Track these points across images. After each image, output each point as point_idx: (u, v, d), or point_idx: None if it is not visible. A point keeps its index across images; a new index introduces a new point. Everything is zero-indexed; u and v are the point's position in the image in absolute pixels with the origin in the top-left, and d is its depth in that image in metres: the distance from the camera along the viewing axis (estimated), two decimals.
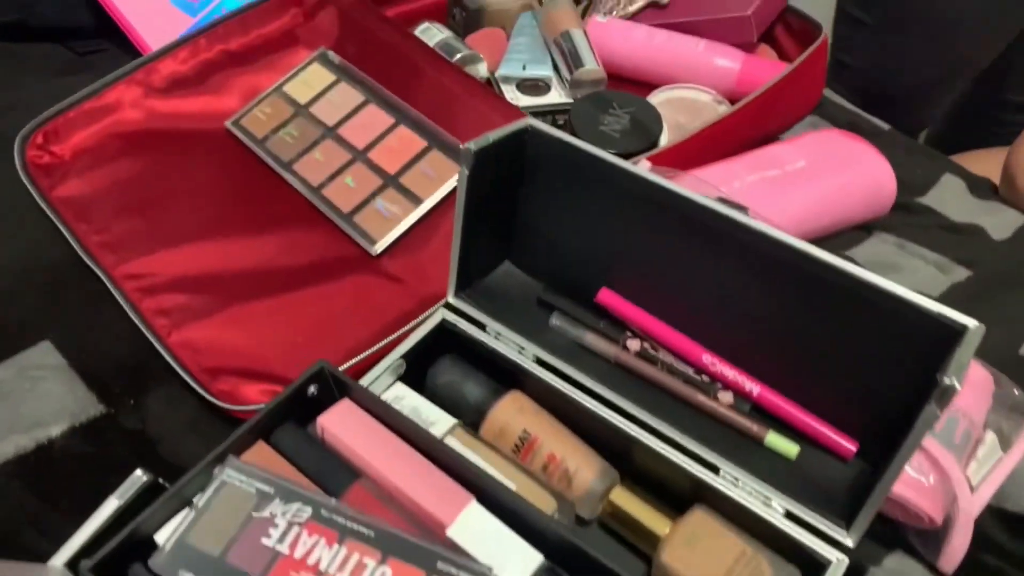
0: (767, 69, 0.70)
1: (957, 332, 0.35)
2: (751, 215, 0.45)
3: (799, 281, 0.39)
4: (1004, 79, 0.97)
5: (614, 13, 0.78)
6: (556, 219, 0.48)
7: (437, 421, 0.45)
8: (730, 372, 0.43)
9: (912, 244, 0.61)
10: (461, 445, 0.43)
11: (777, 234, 0.39)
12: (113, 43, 0.78)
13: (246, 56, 0.69)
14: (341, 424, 0.38)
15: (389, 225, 0.58)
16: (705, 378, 0.44)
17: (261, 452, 0.38)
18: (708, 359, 0.44)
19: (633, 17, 0.78)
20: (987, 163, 0.75)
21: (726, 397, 0.43)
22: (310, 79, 0.67)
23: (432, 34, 0.72)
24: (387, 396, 0.46)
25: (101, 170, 0.62)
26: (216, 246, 0.57)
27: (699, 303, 0.44)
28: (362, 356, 0.48)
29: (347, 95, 0.65)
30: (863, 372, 0.40)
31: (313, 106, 0.65)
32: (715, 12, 0.73)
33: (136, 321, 0.51)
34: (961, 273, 0.59)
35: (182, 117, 0.65)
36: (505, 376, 0.47)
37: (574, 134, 0.62)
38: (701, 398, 0.43)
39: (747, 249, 0.40)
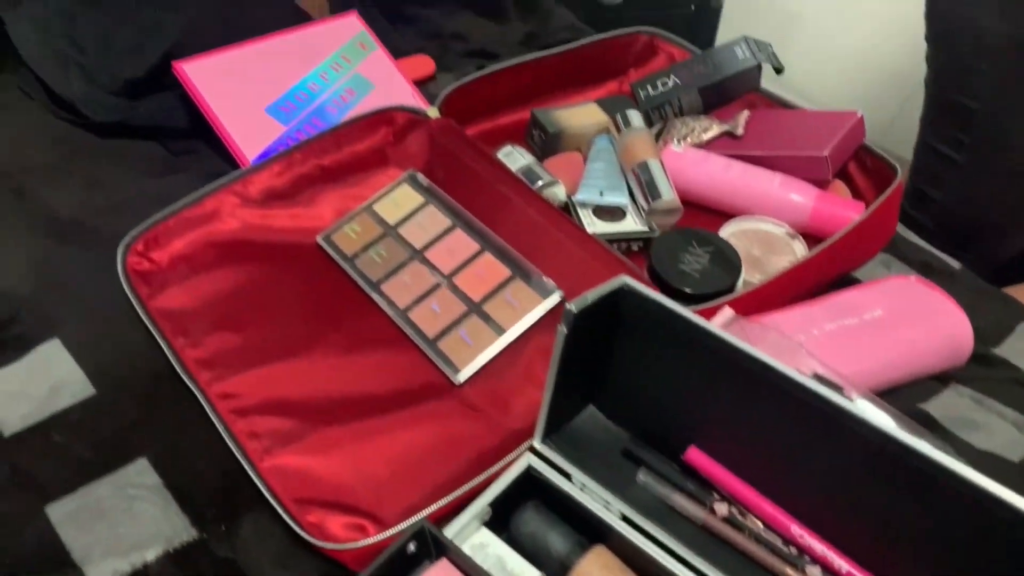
0: (841, 206, 0.72)
1: None
2: (845, 392, 0.46)
3: (896, 467, 0.39)
4: None
5: (688, 140, 0.80)
6: (645, 372, 0.49)
7: (522, 575, 0.45)
8: (819, 546, 0.44)
9: (989, 399, 0.61)
10: None
11: (875, 422, 0.39)
12: (206, 144, 0.82)
13: (338, 172, 0.72)
14: None
15: (472, 353, 0.59)
16: (793, 550, 0.45)
17: None
18: (797, 531, 0.44)
19: (707, 145, 0.80)
20: None
21: (814, 572, 0.44)
22: (399, 199, 0.69)
23: (515, 159, 0.74)
24: (472, 542, 0.47)
25: (196, 280, 0.64)
26: (305, 367, 0.59)
27: (789, 471, 0.45)
28: (448, 499, 0.49)
29: (435, 218, 0.68)
30: (957, 561, 0.40)
31: (402, 227, 0.67)
32: (791, 149, 0.74)
33: (229, 443, 0.53)
34: None
35: (275, 230, 0.68)
36: (590, 527, 0.48)
37: (653, 270, 0.64)
38: (789, 571, 0.44)
39: (843, 429, 0.41)
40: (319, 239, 0.68)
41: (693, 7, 1.50)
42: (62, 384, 0.58)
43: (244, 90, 0.80)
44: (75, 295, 0.65)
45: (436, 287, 0.64)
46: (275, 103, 0.81)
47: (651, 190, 0.72)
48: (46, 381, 0.58)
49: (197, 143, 0.82)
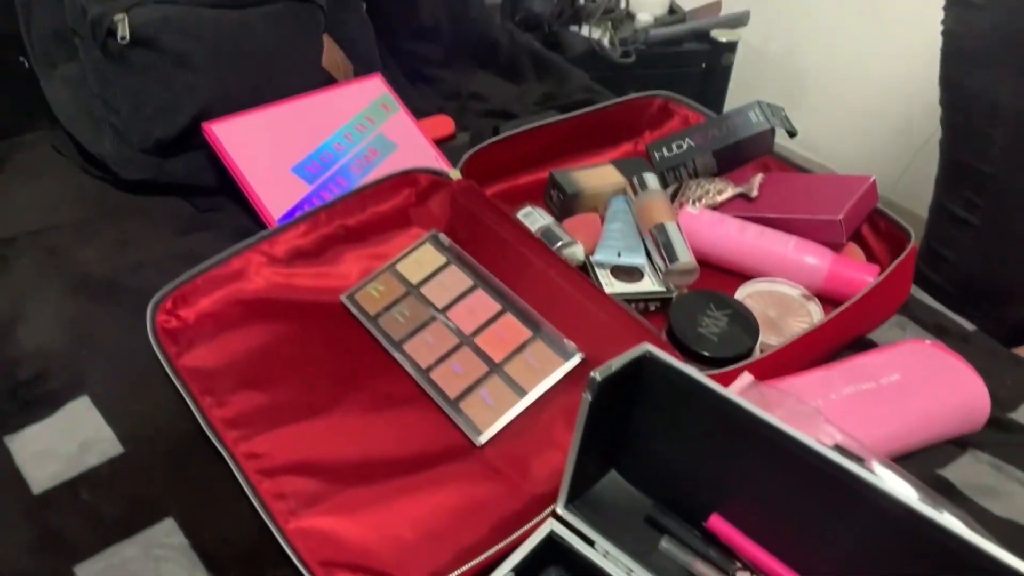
0: (855, 269, 0.73)
1: None
2: (866, 463, 0.47)
3: (919, 540, 0.40)
4: None
5: (703, 201, 0.82)
6: (667, 437, 0.50)
7: None
8: None
9: (1008, 466, 0.62)
10: None
11: (899, 496, 0.40)
12: (231, 201, 0.84)
13: (362, 232, 0.73)
14: None
15: (493, 415, 0.60)
16: None
17: None
18: None
19: (722, 206, 0.81)
20: None
21: None
22: (422, 259, 0.71)
23: (534, 219, 0.76)
24: None
25: (223, 338, 0.65)
26: (329, 427, 0.60)
27: (811, 540, 0.45)
28: (471, 564, 0.50)
29: (456, 278, 0.69)
30: None
31: (424, 287, 0.69)
32: (806, 212, 0.76)
33: (255, 504, 0.53)
34: None
35: (300, 289, 0.70)
36: None
37: (672, 332, 0.65)
38: None
39: (865, 500, 0.41)
40: (343, 298, 0.69)
41: (704, 65, 1.53)
42: (92, 442, 0.59)
43: (271, 150, 0.82)
44: (104, 352, 0.66)
45: (458, 347, 0.65)
46: (301, 163, 0.83)
47: (668, 252, 0.73)
48: (76, 439, 0.59)
49: (223, 200, 0.85)
